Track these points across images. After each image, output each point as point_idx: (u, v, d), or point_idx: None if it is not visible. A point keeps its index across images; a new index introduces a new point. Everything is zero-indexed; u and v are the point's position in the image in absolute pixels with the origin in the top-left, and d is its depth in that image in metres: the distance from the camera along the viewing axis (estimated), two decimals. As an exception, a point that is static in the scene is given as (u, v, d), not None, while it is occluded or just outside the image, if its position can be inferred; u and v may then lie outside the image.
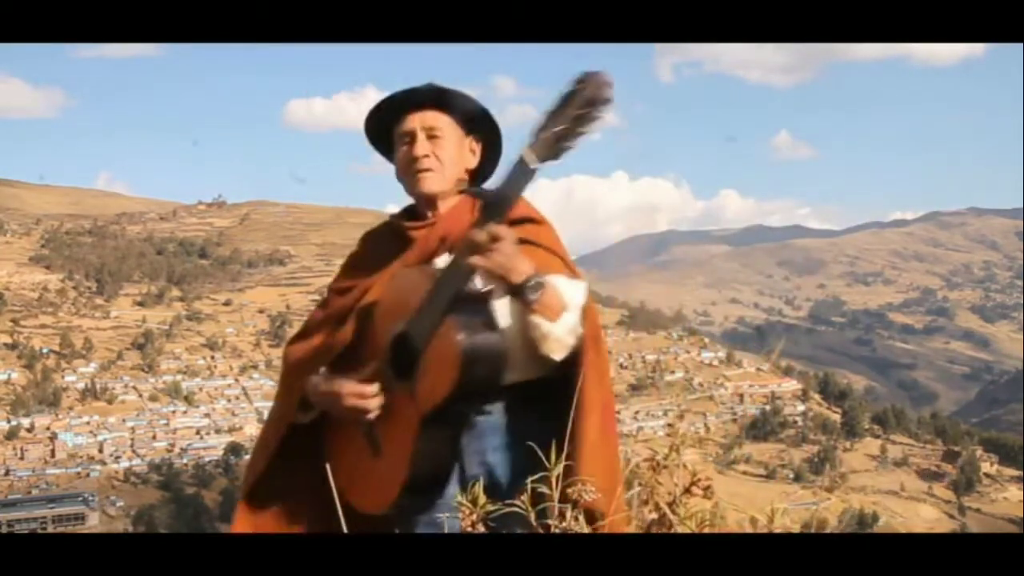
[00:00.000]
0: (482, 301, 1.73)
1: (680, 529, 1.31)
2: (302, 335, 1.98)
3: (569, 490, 1.34)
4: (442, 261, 1.81)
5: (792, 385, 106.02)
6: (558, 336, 1.70)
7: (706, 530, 1.31)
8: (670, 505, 1.32)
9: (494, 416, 1.80)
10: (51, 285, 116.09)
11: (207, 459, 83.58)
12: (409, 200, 1.97)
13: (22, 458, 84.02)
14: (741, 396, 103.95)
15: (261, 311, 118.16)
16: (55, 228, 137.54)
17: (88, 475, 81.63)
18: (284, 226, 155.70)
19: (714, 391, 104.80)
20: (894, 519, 76.59)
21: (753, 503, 1.40)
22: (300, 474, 1.92)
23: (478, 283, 1.72)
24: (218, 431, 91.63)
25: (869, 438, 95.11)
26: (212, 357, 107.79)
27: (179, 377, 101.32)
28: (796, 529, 1.34)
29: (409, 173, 1.88)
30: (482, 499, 1.36)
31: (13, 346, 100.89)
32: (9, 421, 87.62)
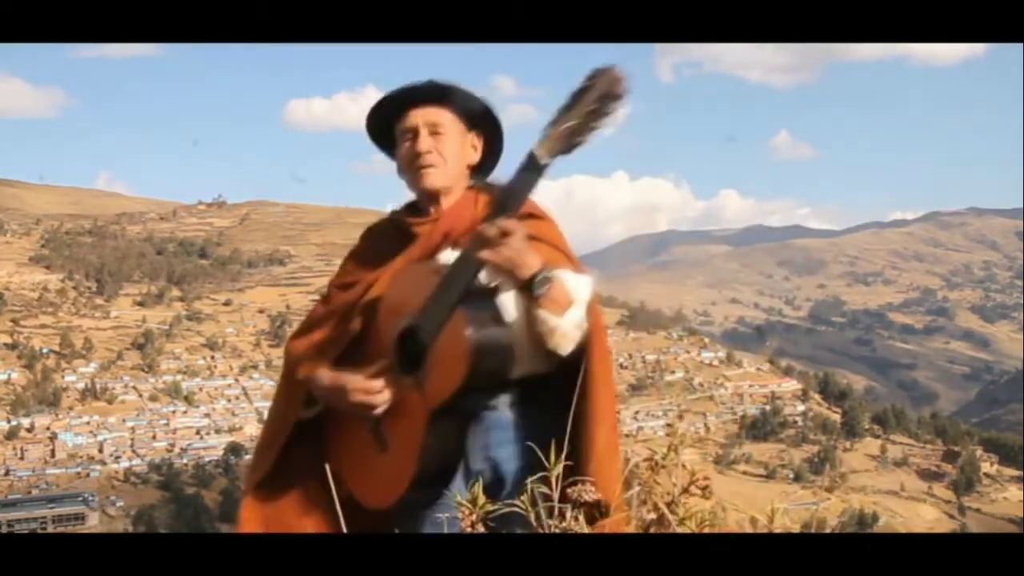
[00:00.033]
0: (489, 296, 1.74)
1: (680, 529, 1.30)
2: (304, 331, 1.98)
3: (569, 490, 1.35)
4: (445, 256, 1.81)
5: (792, 385, 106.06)
6: (565, 331, 1.71)
7: (706, 530, 1.30)
8: (668, 505, 1.32)
9: (499, 411, 1.80)
10: (51, 285, 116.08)
11: (207, 459, 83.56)
12: (410, 196, 1.98)
13: (22, 458, 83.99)
14: (741, 396, 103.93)
15: (261, 311, 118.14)
16: (55, 228, 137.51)
17: (88, 475, 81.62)
18: (284, 226, 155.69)
19: (714, 391, 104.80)
20: (894, 519, 76.62)
21: (753, 503, 1.40)
22: (306, 468, 1.91)
23: (483, 277, 1.72)
24: (218, 431, 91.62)
25: (869, 438, 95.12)
26: (212, 357, 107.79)
27: (179, 377, 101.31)
28: (796, 529, 1.33)
29: (412, 169, 1.89)
30: (482, 499, 1.37)
31: (13, 346, 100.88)
32: (9, 421, 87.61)
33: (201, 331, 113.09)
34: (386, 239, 1.94)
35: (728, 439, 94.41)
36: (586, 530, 1.34)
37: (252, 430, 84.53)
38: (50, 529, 60.99)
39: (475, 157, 1.94)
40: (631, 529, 1.37)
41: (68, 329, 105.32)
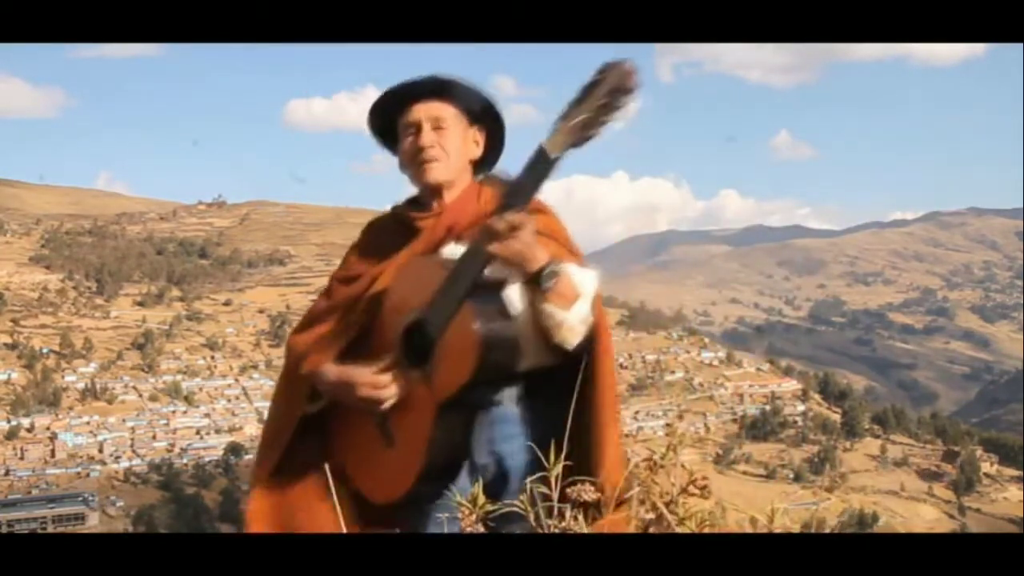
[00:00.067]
0: (495, 289, 1.74)
1: (680, 529, 1.30)
2: (306, 325, 1.97)
3: (569, 489, 1.35)
4: (449, 250, 1.81)
5: (792, 385, 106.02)
6: (572, 324, 1.72)
7: (706, 530, 1.31)
8: (667, 505, 1.32)
9: (504, 405, 1.80)
10: (51, 285, 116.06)
11: (207, 459, 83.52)
12: (410, 193, 1.98)
13: (22, 458, 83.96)
14: (741, 396, 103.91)
15: (261, 311, 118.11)
16: (55, 228, 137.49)
17: (88, 475, 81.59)
18: (284, 226, 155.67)
19: (714, 391, 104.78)
20: (894, 519, 76.60)
21: (753, 503, 1.40)
22: (312, 462, 1.90)
23: (489, 271, 1.72)
24: (218, 431, 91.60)
25: (869, 438, 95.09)
26: (212, 357, 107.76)
27: (179, 377, 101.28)
28: (796, 529, 1.33)
29: (415, 163, 1.89)
30: (482, 499, 1.36)
31: (13, 346, 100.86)
32: (9, 421, 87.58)
33: (201, 331, 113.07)
34: (389, 233, 1.94)
35: (728, 439, 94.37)
36: (585, 530, 1.33)
37: (252, 430, 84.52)
38: (50, 529, 60.99)
39: (477, 152, 1.94)
40: (630, 529, 1.37)
41: (68, 329, 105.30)
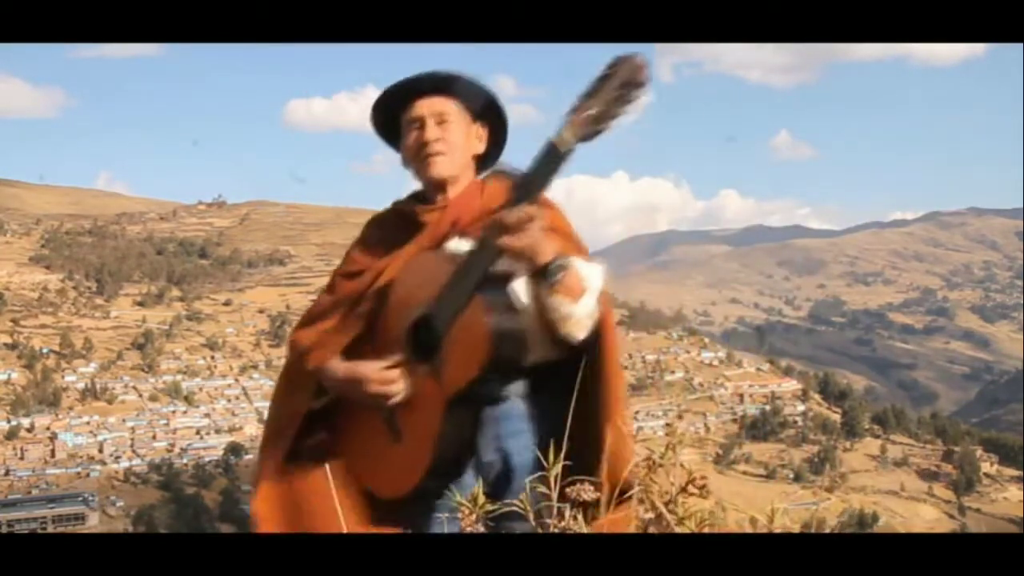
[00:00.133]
0: (502, 282, 1.74)
1: (679, 529, 1.30)
2: (310, 321, 1.96)
3: (568, 489, 1.34)
4: (453, 245, 1.81)
5: (792, 385, 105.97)
6: (579, 318, 1.71)
7: (705, 530, 1.30)
8: (667, 504, 1.32)
9: (510, 401, 1.80)
10: (51, 285, 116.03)
11: (207, 459, 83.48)
12: (410, 192, 1.97)
13: (22, 458, 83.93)
14: (741, 396, 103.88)
15: (261, 311, 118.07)
16: (55, 228, 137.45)
17: (88, 475, 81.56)
18: (284, 226, 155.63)
19: (714, 391, 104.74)
20: (894, 519, 76.53)
21: (753, 503, 1.40)
22: (318, 458, 1.89)
23: (496, 264, 1.72)
24: (218, 431, 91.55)
25: (869, 438, 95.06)
26: (212, 357, 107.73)
27: (179, 377, 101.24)
28: (796, 529, 1.33)
29: (419, 158, 1.89)
30: (482, 498, 1.36)
31: (13, 346, 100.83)
32: (9, 421, 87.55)
33: (201, 331, 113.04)
34: (392, 228, 1.93)
35: (728, 439, 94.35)
36: (585, 529, 1.33)
37: (252, 430, 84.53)
38: (50, 529, 60.99)
39: (480, 148, 1.94)
40: (631, 529, 1.37)
41: (68, 329, 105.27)
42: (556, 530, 1.33)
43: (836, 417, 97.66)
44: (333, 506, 1.80)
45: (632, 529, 1.37)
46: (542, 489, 1.35)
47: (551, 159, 1.64)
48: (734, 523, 1.34)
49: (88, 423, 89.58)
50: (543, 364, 1.79)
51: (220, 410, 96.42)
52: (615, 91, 1.59)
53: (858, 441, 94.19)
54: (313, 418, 1.92)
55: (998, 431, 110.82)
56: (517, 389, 1.80)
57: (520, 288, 1.75)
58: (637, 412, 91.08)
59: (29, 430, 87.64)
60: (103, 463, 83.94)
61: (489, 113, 1.94)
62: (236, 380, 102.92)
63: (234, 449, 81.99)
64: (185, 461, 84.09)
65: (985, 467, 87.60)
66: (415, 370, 1.76)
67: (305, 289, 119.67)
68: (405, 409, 1.78)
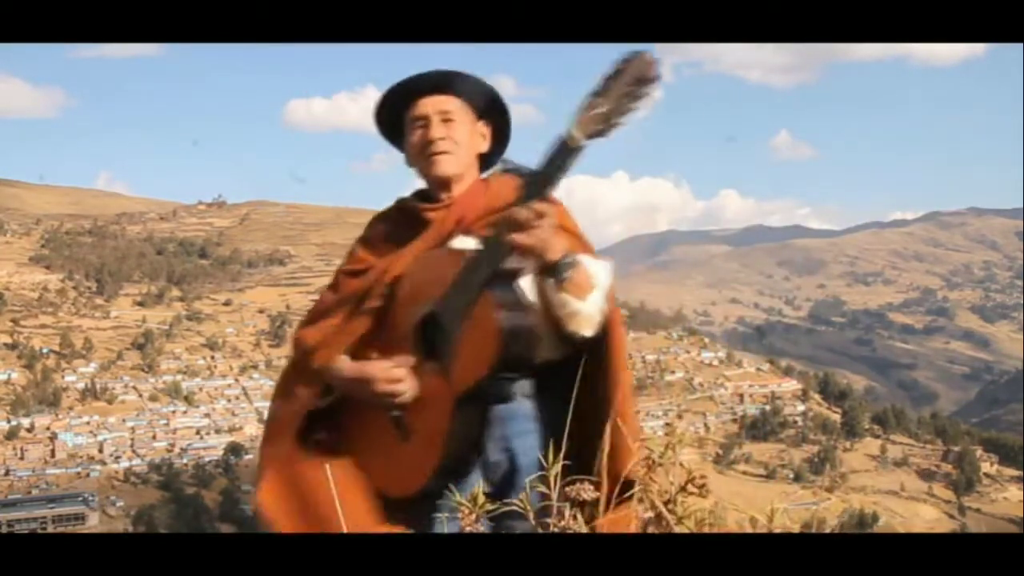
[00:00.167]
0: (510, 279, 1.74)
1: (678, 528, 1.30)
2: (314, 319, 1.95)
3: (568, 488, 1.34)
4: (459, 242, 1.81)
5: (792, 385, 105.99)
6: (588, 314, 1.71)
7: (705, 530, 1.31)
8: (666, 504, 1.32)
9: (517, 400, 1.79)
10: (51, 285, 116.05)
11: (207, 459, 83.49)
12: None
13: (22, 458, 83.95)
14: (741, 396, 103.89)
15: (261, 311, 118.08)
16: (55, 228, 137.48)
17: (88, 475, 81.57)
18: (284, 226, 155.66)
19: (714, 391, 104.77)
20: (894, 519, 76.51)
21: (753, 503, 1.40)
22: (324, 454, 1.86)
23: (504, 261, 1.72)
24: (218, 431, 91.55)
25: (869, 438, 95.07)
26: (212, 357, 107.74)
27: (179, 377, 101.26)
28: (796, 529, 1.34)
29: (424, 156, 1.88)
30: (481, 498, 1.36)
31: (13, 346, 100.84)
32: (9, 421, 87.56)
33: (201, 331, 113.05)
34: (396, 226, 1.92)
35: (728, 439, 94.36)
36: (584, 529, 1.32)
37: (252, 430, 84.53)
38: (50, 529, 60.99)
39: (484, 146, 1.94)
40: (631, 528, 1.37)
41: (68, 329, 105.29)
42: (556, 530, 1.33)
43: (836, 417, 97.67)
44: (346, 502, 1.77)
45: (632, 528, 1.36)
46: (543, 489, 1.34)
47: (561, 156, 1.63)
48: (734, 523, 1.34)
49: (88, 423, 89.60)
50: (549, 363, 1.79)
51: (220, 410, 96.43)
52: (626, 88, 1.58)
53: (858, 441, 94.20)
54: (317, 416, 1.91)
55: (998, 431, 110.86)
56: (523, 389, 1.79)
57: (526, 285, 1.75)
58: (637, 412, 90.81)
59: (29, 430, 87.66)
60: (103, 463, 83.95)
61: (493, 111, 1.94)
62: (236, 380, 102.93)
63: (234, 449, 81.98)
64: (185, 461, 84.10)
65: (985, 467, 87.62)
66: (423, 368, 1.75)
67: (305, 289, 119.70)
68: (413, 408, 1.77)
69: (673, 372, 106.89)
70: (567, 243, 1.72)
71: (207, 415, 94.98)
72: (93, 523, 66.76)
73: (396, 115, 1.93)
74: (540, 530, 1.36)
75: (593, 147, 1.64)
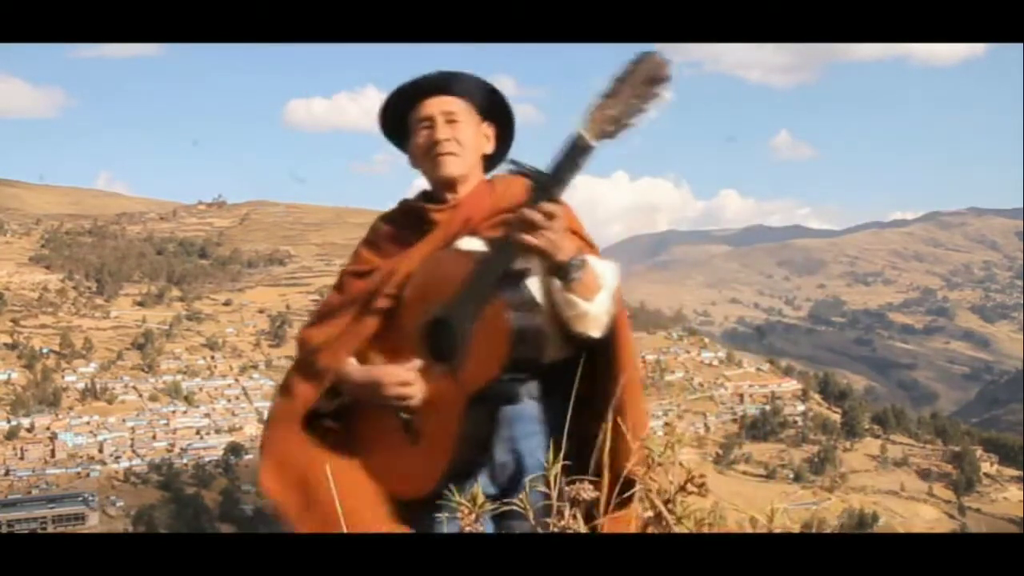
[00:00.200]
0: (518, 279, 1.74)
1: (678, 528, 1.30)
2: (320, 320, 1.94)
3: (568, 488, 1.34)
4: (465, 243, 1.81)
5: (792, 385, 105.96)
6: (596, 315, 1.72)
7: (704, 528, 1.30)
8: (665, 503, 1.32)
9: (524, 402, 1.79)
10: (51, 285, 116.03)
11: (207, 459, 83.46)
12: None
13: (22, 458, 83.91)
14: (741, 396, 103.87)
15: (261, 311, 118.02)
16: (55, 228, 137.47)
17: (88, 475, 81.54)
18: (284, 226, 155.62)
19: (714, 391, 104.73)
20: (894, 519, 76.50)
21: (753, 503, 1.40)
22: (330, 451, 1.85)
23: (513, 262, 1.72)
24: (218, 431, 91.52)
25: (869, 438, 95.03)
26: (212, 357, 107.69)
27: (179, 377, 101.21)
28: (796, 529, 1.34)
29: (430, 157, 1.88)
30: (481, 498, 1.36)
31: (13, 346, 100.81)
32: (9, 421, 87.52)
33: (201, 331, 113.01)
34: (402, 227, 1.92)
35: (728, 439, 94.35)
36: (583, 529, 1.33)
37: (252, 430, 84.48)
38: (50, 529, 60.98)
39: (488, 147, 1.94)
40: (632, 528, 1.37)
41: (68, 329, 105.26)
42: (556, 529, 1.33)
43: (836, 417, 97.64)
44: (346, 483, 1.77)
45: (632, 528, 1.37)
46: (543, 488, 1.35)
47: (572, 158, 1.63)
48: (734, 523, 1.33)
49: (88, 423, 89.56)
50: (556, 364, 1.79)
51: (220, 410, 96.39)
52: (637, 88, 1.59)
53: (858, 441, 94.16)
54: (320, 416, 1.90)
55: (998, 431, 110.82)
56: (531, 390, 1.80)
57: (533, 285, 1.75)
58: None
59: (29, 430, 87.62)
60: (103, 463, 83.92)
61: (496, 112, 1.94)
62: (236, 380, 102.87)
63: (234, 449, 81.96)
64: (185, 461, 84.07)
65: (985, 467, 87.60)
66: (431, 371, 1.75)
67: (305, 289, 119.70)
68: (421, 410, 1.76)
69: (673, 372, 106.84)
70: (575, 244, 1.73)
71: (207, 415, 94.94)
72: (93, 523, 66.75)
73: (400, 116, 1.92)
74: (540, 530, 1.36)
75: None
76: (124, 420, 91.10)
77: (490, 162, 1.96)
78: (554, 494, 1.34)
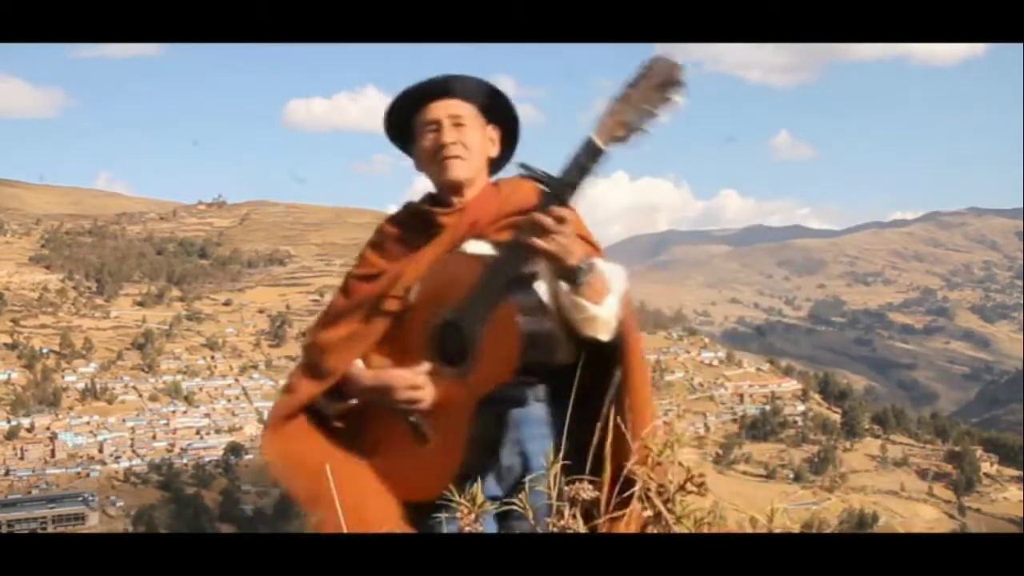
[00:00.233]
0: (527, 283, 1.75)
1: (677, 527, 1.30)
2: (328, 323, 1.93)
3: (567, 488, 1.34)
4: (472, 247, 1.81)
5: (792, 385, 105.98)
6: (605, 319, 1.73)
7: (705, 529, 1.31)
8: (665, 503, 1.32)
9: (531, 405, 1.80)
10: (51, 285, 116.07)
11: (207, 459, 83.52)
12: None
13: (22, 458, 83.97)
14: (741, 396, 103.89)
15: (261, 311, 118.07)
16: (55, 228, 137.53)
17: (88, 475, 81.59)
18: (284, 226, 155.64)
19: (714, 391, 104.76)
20: (894, 519, 76.52)
21: (753, 503, 1.41)
22: (335, 449, 1.85)
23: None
24: (218, 431, 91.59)
25: (869, 438, 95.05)
26: (212, 357, 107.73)
27: (179, 377, 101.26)
28: (796, 529, 1.34)
29: (436, 160, 1.88)
30: (480, 498, 1.37)
31: (13, 346, 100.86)
32: (9, 421, 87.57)
33: (201, 331, 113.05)
34: (408, 230, 1.91)
35: (728, 439, 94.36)
36: (583, 529, 1.33)
37: (252, 430, 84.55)
38: (50, 529, 61.00)
39: (494, 151, 1.94)
40: (632, 528, 1.37)
41: (68, 329, 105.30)
42: (555, 529, 1.33)
43: (836, 417, 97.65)
44: (351, 473, 1.78)
45: (633, 528, 1.37)
46: (544, 488, 1.35)
47: (588, 160, 1.63)
48: (734, 523, 1.34)
49: (88, 423, 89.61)
50: (563, 367, 1.79)
51: (220, 410, 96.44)
52: (650, 93, 1.59)
53: (858, 441, 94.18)
54: (322, 415, 1.90)
55: (998, 431, 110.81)
56: (538, 393, 1.80)
57: (540, 289, 1.76)
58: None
59: (29, 430, 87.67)
60: (103, 463, 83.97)
61: (502, 115, 1.94)
62: (236, 380, 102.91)
63: (234, 449, 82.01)
64: (185, 461, 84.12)
65: (985, 467, 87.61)
66: (440, 374, 1.76)
67: (305, 289, 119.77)
68: (431, 413, 1.77)
69: (673, 372, 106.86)
70: (585, 249, 1.74)
71: (207, 415, 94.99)
72: (93, 523, 66.78)
73: (405, 119, 1.92)
74: (540, 530, 1.36)
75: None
76: (124, 420, 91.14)
77: (495, 165, 1.96)
78: (553, 494, 1.34)
